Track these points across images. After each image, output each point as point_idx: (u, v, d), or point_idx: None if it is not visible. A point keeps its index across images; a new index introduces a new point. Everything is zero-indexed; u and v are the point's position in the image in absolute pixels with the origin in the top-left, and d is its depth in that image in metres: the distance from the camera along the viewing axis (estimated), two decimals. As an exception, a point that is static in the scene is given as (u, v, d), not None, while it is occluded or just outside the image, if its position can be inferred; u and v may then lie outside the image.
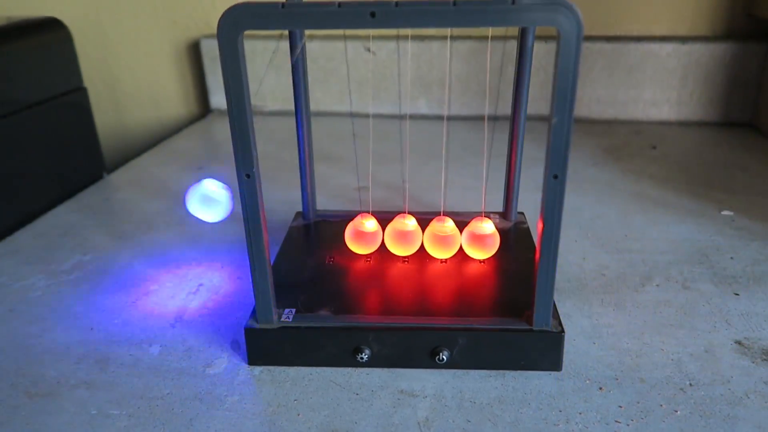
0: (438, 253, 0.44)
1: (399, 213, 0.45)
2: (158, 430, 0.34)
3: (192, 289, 0.47)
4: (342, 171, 0.70)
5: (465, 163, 0.71)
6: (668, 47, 0.82)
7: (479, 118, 0.90)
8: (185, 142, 0.85)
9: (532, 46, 0.44)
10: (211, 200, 0.44)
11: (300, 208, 0.52)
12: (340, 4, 0.29)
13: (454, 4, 0.29)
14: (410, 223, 0.44)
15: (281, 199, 0.58)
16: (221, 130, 0.89)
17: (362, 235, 0.44)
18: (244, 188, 0.34)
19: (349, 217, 0.51)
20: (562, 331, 0.36)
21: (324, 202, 0.61)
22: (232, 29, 0.30)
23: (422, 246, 0.44)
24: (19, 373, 0.38)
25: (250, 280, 0.37)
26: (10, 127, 0.58)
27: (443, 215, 0.44)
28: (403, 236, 0.43)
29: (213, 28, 0.95)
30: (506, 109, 0.88)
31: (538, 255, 0.34)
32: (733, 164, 0.70)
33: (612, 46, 0.83)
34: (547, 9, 0.29)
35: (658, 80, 0.84)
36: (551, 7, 0.29)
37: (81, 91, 0.68)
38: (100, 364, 0.39)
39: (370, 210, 0.46)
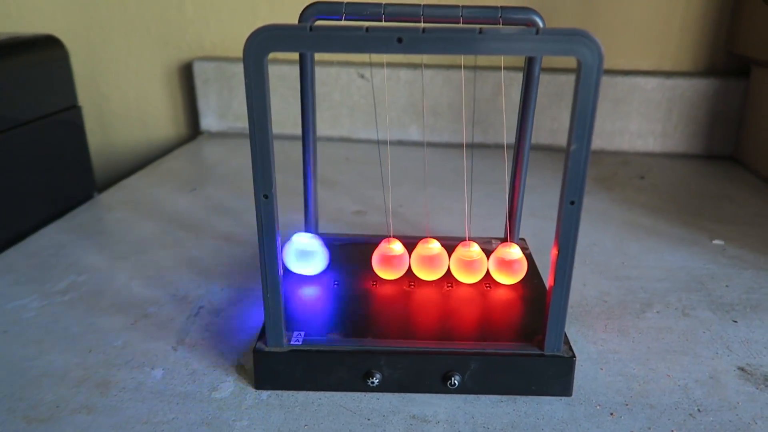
0: (465, 278, 0.44)
1: (422, 238, 0.45)
2: (166, 456, 0.33)
3: (193, 312, 0.46)
4: (338, 194, 0.70)
5: (457, 188, 0.72)
6: (653, 81, 0.85)
7: (469, 145, 0.91)
8: (176, 162, 0.84)
9: (538, 76, 0.46)
10: (306, 254, 0.44)
11: (301, 230, 0.52)
12: (368, 29, 0.30)
13: (480, 32, 0.29)
14: (434, 246, 0.44)
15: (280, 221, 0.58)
16: (212, 152, 0.89)
17: (390, 260, 0.44)
18: (262, 209, 0.33)
19: (352, 240, 0.51)
20: (573, 356, 0.37)
21: (322, 226, 0.61)
22: (258, 50, 0.30)
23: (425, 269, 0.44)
24: (15, 397, 0.37)
25: (254, 302, 0.36)
26: (3, 143, 0.57)
27: (468, 240, 0.45)
28: (431, 261, 0.43)
29: (206, 50, 0.96)
30: (496, 137, 0.90)
31: (551, 280, 0.35)
32: (719, 195, 0.72)
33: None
34: (569, 40, 0.29)
35: (644, 113, 0.87)
36: (573, 38, 0.29)
37: (75, 110, 0.67)
38: (101, 388, 0.38)
39: (391, 234, 0.46)
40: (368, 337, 0.38)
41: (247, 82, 0.30)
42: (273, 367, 0.37)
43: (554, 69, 0.88)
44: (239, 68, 0.93)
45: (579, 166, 0.32)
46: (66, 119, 0.65)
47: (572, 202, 0.33)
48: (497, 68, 0.91)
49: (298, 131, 0.48)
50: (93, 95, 0.98)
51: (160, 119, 1.01)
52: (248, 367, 0.40)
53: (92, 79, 0.98)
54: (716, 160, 0.86)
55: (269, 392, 0.38)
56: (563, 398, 0.37)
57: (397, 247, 0.44)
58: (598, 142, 0.89)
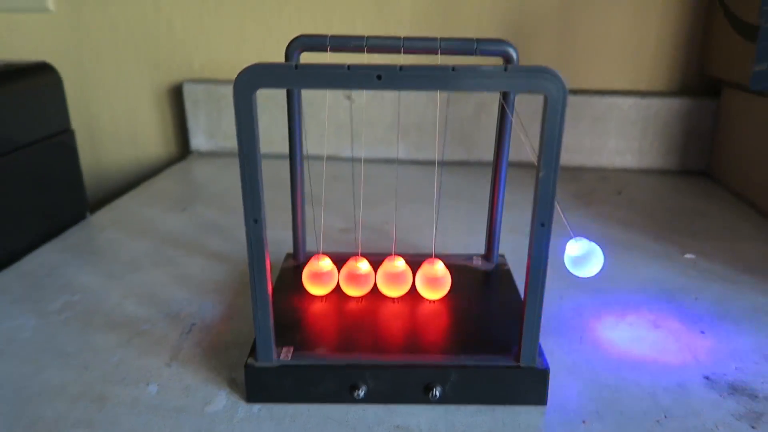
0: (427, 294, 0.46)
1: (388, 255, 0.47)
2: (161, 468, 0.34)
3: (185, 329, 0.48)
4: (326, 213, 0.72)
5: (441, 205, 0.75)
6: (629, 101, 0.88)
7: (454, 163, 0.94)
8: (166, 182, 0.86)
9: (514, 99, 0.48)
10: (581, 259, 0.46)
11: (286, 249, 0.54)
12: (349, 67, 0.32)
13: (453, 69, 0.32)
14: (399, 264, 0.46)
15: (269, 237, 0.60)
16: (202, 171, 0.91)
17: (356, 278, 0.46)
18: (252, 233, 0.35)
19: (339, 259, 0.53)
20: (547, 368, 0.39)
21: (310, 243, 0.62)
22: (247, 87, 0.32)
23: (413, 286, 0.47)
24: (14, 415, 0.39)
25: (244, 319, 0.38)
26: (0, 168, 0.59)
27: (434, 257, 0.47)
28: (393, 277, 0.46)
29: (195, 72, 0.98)
30: (479, 154, 0.93)
31: (525, 296, 0.37)
32: (692, 210, 0.75)
33: (579, 98, 0.89)
34: (535, 77, 0.32)
35: (621, 131, 0.90)
36: (539, 75, 0.32)
37: (68, 133, 0.69)
38: (98, 404, 0.40)
39: (359, 252, 0.48)
40: (353, 351, 0.40)
41: (237, 116, 0.32)
42: (264, 382, 0.39)
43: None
44: (227, 90, 0.96)
45: (548, 190, 0.34)
46: (59, 142, 0.67)
47: (542, 224, 0.35)
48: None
49: (287, 150, 0.50)
50: (83, 115, 1.00)
51: (150, 139, 1.03)
52: (240, 381, 0.41)
53: (82, 99, 1.00)
54: (691, 176, 0.89)
55: (260, 405, 0.39)
56: (539, 407, 0.39)
57: (363, 266, 0.46)
58: (578, 158, 0.92)
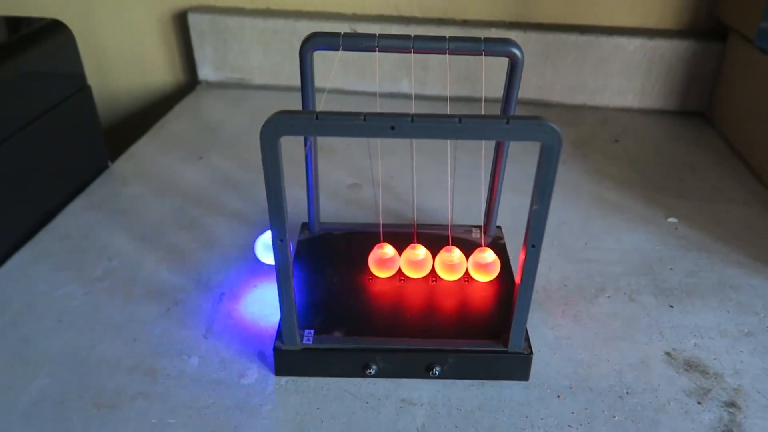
0: (447, 276, 0.52)
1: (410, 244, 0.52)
2: (211, 437, 0.42)
3: (216, 299, 0.54)
4: (334, 166, 0.76)
5: (444, 156, 0.78)
6: (636, 42, 0.89)
7: (459, 99, 0.96)
8: (179, 123, 0.88)
9: (520, 78, 0.50)
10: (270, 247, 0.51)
11: (299, 212, 0.59)
12: (365, 118, 0.35)
13: (460, 121, 0.35)
14: (420, 252, 0.51)
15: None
16: (212, 108, 0.93)
17: (384, 262, 0.51)
18: (278, 250, 0.40)
19: (352, 230, 0.58)
20: (531, 352, 0.46)
21: (321, 200, 0.67)
22: (273, 135, 0.36)
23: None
24: (82, 385, 0.46)
25: (267, 288, 0.44)
26: (23, 138, 0.62)
27: (450, 246, 0.52)
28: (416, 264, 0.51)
29: None
30: (486, 91, 0.94)
31: (514, 303, 0.43)
32: (684, 164, 0.78)
33: (585, 38, 0.89)
34: (534, 129, 0.35)
35: (625, 72, 0.91)
36: (538, 127, 0.35)
37: (85, 90, 0.71)
38: (150, 375, 0.47)
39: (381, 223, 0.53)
40: (366, 335, 0.47)
41: (264, 161, 0.36)
42: (289, 361, 0.46)
43: (541, 26, 0.91)
44: (233, 21, 0.95)
45: (539, 220, 0.39)
46: (78, 100, 0.70)
47: (533, 246, 0.40)
48: (488, 24, 0.94)
49: (293, 82, 0.50)
50: (89, 40, 0.99)
51: (157, 67, 1.03)
52: (268, 355, 0.49)
53: (86, 26, 0.99)
54: (689, 117, 0.91)
55: (287, 378, 0.47)
56: (522, 383, 0.47)
57: (389, 251, 0.52)
58: (580, 98, 0.94)
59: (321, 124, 0.35)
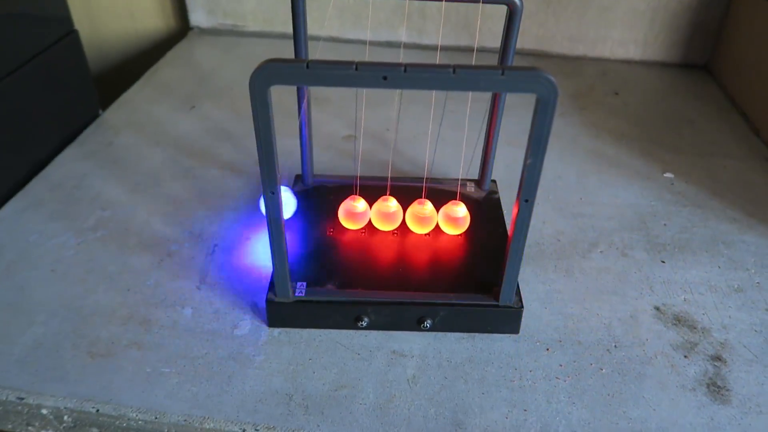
0: (418, 229, 0.52)
1: (382, 196, 0.52)
2: (204, 386, 0.43)
3: (209, 250, 0.54)
4: (329, 116, 0.75)
5: (439, 106, 0.77)
6: (640, -10, 0.86)
7: (456, 49, 0.94)
8: (171, 71, 0.86)
9: (518, 27, 0.48)
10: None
11: (293, 164, 0.58)
12: (357, 67, 0.34)
13: (454, 71, 0.34)
14: (392, 204, 0.51)
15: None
16: (205, 55, 0.91)
17: (354, 215, 0.51)
18: (269, 202, 0.40)
19: (344, 183, 0.58)
20: (522, 306, 0.46)
21: (315, 153, 0.66)
22: (263, 84, 0.35)
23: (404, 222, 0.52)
24: (77, 334, 0.46)
25: (259, 240, 0.44)
26: (11, 85, 0.60)
27: (423, 199, 0.52)
28: (387, 216, 0.51)
29: (190, -58, 0.93)
30: (483, 41, 0.92)
31: (506, 257, 0.43)
32: (682, 117, 0.77)
33: (588, -14, 0.86)
34: (530, 79, 0.34)
35: (627, 22, 0.89)
36: (534, 78, 0.34)
37: (73, 34, 0.69)
38: (144, 326, 0.47)
39: (358, 175, 0.53)
40: (358, 288, 0.47)
41: (254, 110, 0.35)
42: (282, 313, 0.46)
43: (544, -26, 0.88)
44: (225, -36, 0.92)
45: (533, 174, 0.38)
46: (65, 46, 0.68)
47: (526, 200, 0.40)
48: None
49: (288, 29, 0.48)
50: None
51: (147, 12, 1.00)
52: (261, 306, 0.49)
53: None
54: (690, 70, 0.90)
55: (280, 330, 0.47)
56: (512, 335, 0.47)
57: (360, 205, 0.51)
58: (581, 48, 0.92)
59: (311, 73, 0.34)
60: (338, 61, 0.35)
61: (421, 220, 0.51)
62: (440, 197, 0.53)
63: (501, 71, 0.34)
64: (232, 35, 0.97)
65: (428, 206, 0.51)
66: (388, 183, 0.54)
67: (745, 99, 0.78)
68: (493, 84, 0.35)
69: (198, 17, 0.97)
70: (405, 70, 0.34)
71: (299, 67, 0.34)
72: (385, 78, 0.34)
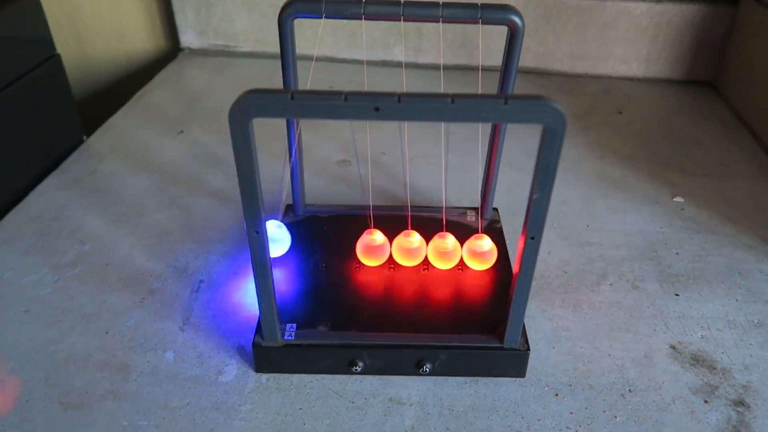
0: (441, 265, 0.48)
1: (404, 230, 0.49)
2: (185, 441, 0.39)
3: (194, 287, 0.51)
4: (322, 139, 0.72)
5: (437, 129, 0.74)
6: (642, 6, 0.83)
7: (453, 68, 0.91)
8: (160, 93, 0.84)
9: (520, 47, 0.46)
10: (273, 240, 0.48)
11: (277, 189, 0.55)
12: (346, 98, 0.31)
13: (452, 101, 0.31)
14: (415, 240, 0.48)
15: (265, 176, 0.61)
16: (195, 77, 0.88)
17: (372, 249, 0.48)
18: (254, 242, 0.37)
19: (340, 213, 0.54)
20: (528, 349, 0.43)
21: (308, 178, 0.63)
22: (243, 116, 0.32)
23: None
24: (48, 383, 0.43)
25: (247, 275, 0.41)
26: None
27: (444, 233, 0.48)
28: (409, 252, 0.48)
29: (179, -39, 0.90)
30: (483, 59, 0.89)
31: (511, 296, 0.40)
32: (690, 137, 0.74)
33: (588, 3, 0.84)
34: (535, 109, 0.31)
35: (630, 38, 0.86)
36: (540, 107, 0.31)
37: (54, 58, 0.66)
38: (122, 373, 0.44)
39: (371, 204, 0.49)
40: (352, 329, 0.43)
41: (234, 145, 0.32)
42: (270, 357, 0.43)
43: (543, -10, 0.86)
44: (216, -17, 0.89)
45: (540, 210, 0.35)
46: (47, 70, 0.65)
47: (532, 238, 0.37)
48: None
49: (278, 49, 0.46)
50: (65, 7, 0.94)
51: (136, 33, 0.98)
52: (248, 349, 0.45)
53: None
54: (695, 86, 0.87)
55: (268, 375, 0.44)
56: (518, 380, 0.44)
57: (378, 238, 0.48)
58: (582, 66, 0.89)
59: (297, 105, 0.31)
60: (325, 91, 0.32)
61: (409, 252, 0.48)
62: (437, 228, 0.50)
63: (504, 100, 0.31)
64: (223, 56, 0.94)
65: (415, 236, 0.48)
66: (408, 213, 0.50)
67: (754, 116, 0.76)
68: (495, 114, 0.32)
69: (188, 38, 0.95)
70: (399, 101, 0.31)
71: (283, 99, 0.31)
72: (377, 109, 0.31)
